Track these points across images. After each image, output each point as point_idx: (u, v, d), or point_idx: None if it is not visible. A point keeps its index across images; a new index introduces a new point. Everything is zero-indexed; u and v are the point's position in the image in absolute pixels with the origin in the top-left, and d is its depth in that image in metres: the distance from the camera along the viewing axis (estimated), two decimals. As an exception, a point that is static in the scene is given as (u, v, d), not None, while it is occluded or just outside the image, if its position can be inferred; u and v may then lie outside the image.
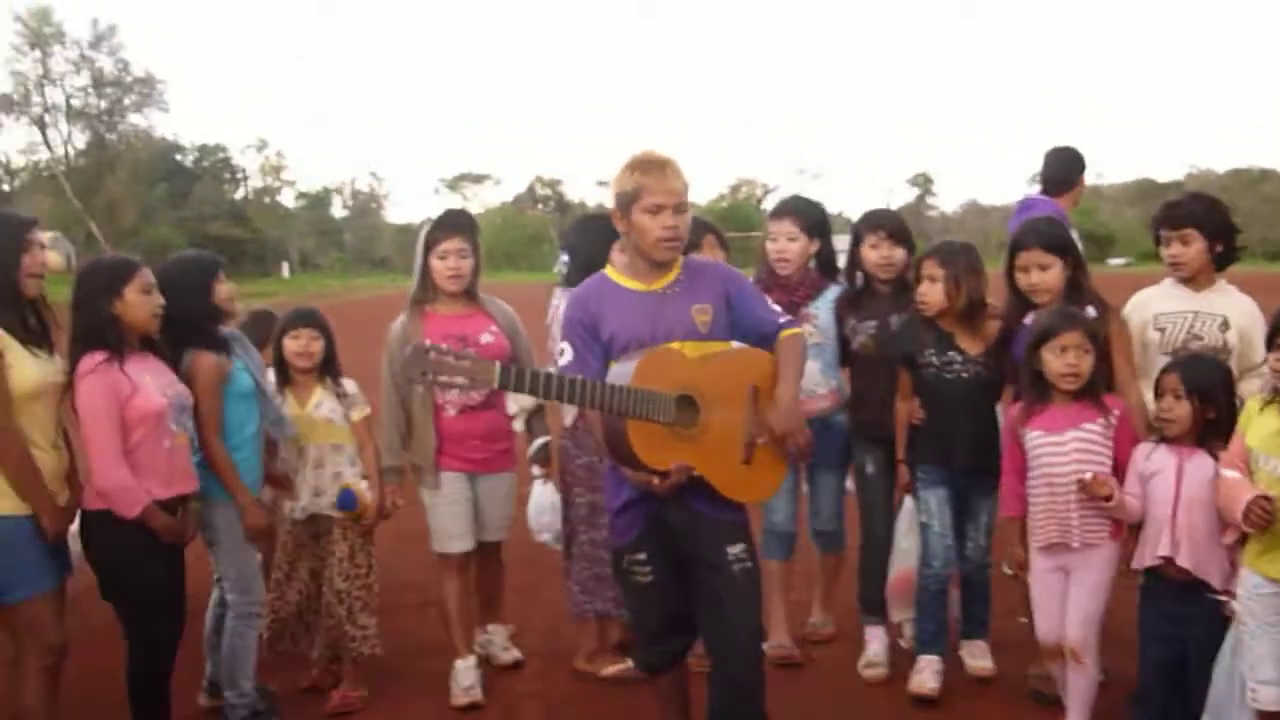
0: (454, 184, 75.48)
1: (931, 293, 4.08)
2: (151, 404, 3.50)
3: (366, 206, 77.44)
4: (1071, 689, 3.70)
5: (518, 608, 4.96)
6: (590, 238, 4.32)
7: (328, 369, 4.31)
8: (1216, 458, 3.42)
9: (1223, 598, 3.39)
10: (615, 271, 3.41)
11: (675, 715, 3.58)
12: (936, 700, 4.08)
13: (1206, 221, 3.94)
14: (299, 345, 4.25)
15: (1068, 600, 3.68)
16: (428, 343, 2.98)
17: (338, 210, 76.73)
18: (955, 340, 4.08)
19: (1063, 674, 3.75)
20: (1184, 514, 3.43)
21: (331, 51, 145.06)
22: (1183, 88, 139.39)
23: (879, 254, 4.39)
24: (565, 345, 3.29)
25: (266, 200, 69.71)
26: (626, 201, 3.25)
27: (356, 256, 71.63)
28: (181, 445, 3.63)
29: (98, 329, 3.47)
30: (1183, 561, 3.43)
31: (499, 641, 4.60)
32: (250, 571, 3.97)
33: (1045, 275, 3.96)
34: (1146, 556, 3.53)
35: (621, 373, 3.13)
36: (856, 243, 4.47)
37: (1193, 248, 3.93)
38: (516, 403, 4.33)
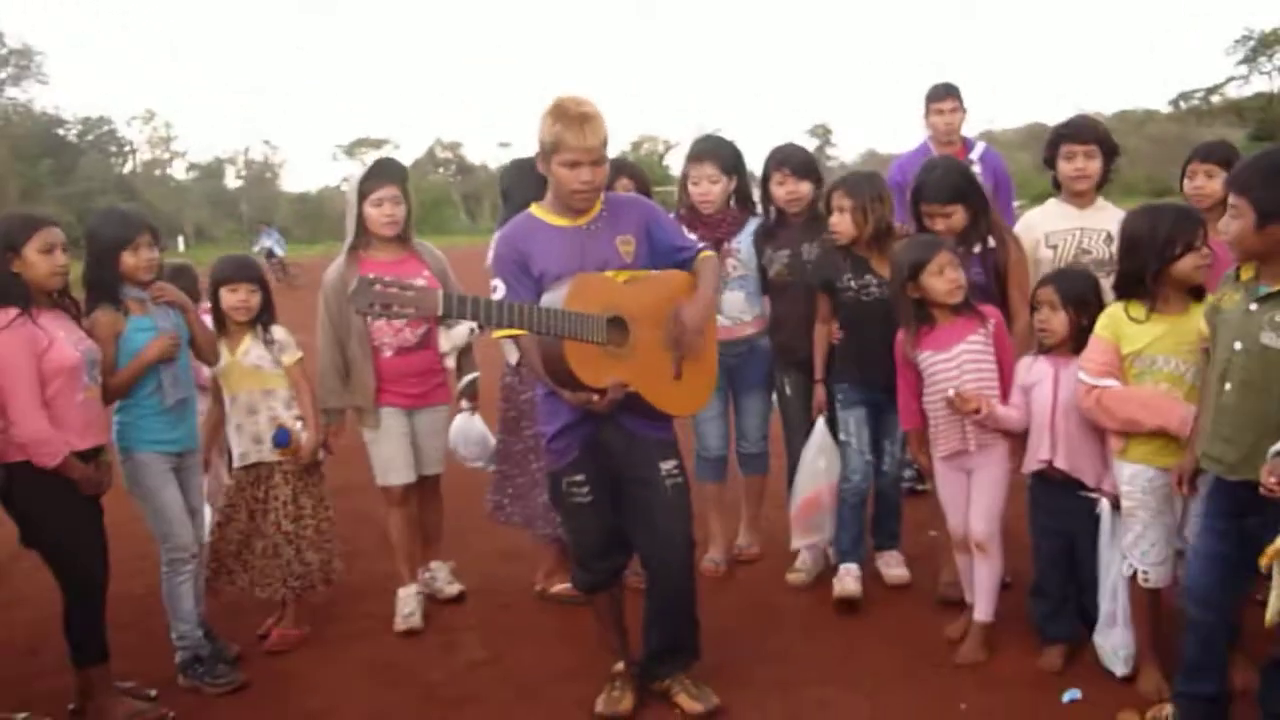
0: (351, 150, 73.46)
1: (842, 223, 4.32)
2: (67, 358, 3.60)
3: (261, 176, 75.29)
4: (977, 581, 3.98)
5: (452, 545, 5.09)
6: (524, 181, 4.31)
7: (260, 318, 4.36)
8: None
9: (1094, 494, 3.68)
10: (541, 209, 3.56)
11: (612, 632, 3.78)
12: (856, 605, 4.38)
13: (1104, 139, 4.31)
14: (237, 299, 4.30)
15: (970, 498, 3.96)
16: (372, 275, 3.12)
17: (231, 181, 74.49)
18: (869, 264, 4.32)
19: (969, 569, 4.03)
20: (1061, 419, 3.70)
21: (219, 17, 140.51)
22: (1066, 32, 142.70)
23: (785, 190, 4.64)
24: (498, 281, 3.44)
25: (156, 173, 67.51)
26: (547, 151, 3.41)
27: (253, 227, 69.66)
28: (94, 398, 3.74)
29: (2, 287, 3.54)
30: (1060, 463, 3.72)
31: (442, 576, 4.79)
32: (165, 518, 3.97)
33: (949, 221, 4.15)
34: (1031, 461, 3.81)
35: (553, 299, 3.30)
36: (765, 180, 4.72)
37: (1096, 162, 4.28)
38: (449, 341, 4.49)
